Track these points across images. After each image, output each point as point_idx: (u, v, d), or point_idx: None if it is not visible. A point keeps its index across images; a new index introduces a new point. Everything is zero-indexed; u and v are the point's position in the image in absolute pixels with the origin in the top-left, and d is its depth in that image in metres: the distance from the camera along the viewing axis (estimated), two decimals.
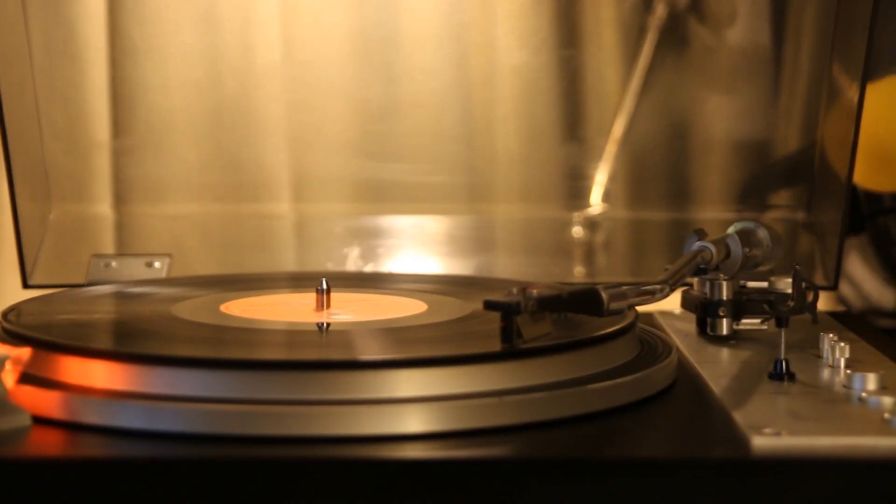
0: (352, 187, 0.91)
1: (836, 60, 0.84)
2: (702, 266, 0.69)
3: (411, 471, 0.49)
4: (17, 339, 0.59)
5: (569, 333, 0.59)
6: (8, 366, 0.53)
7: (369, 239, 0.90)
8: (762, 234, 0.74)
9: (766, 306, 0.70)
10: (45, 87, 0.88)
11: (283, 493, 0.49)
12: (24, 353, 0.55)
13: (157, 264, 0.86)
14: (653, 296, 0.61)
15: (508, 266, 0.90)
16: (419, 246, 0.90)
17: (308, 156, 0.91)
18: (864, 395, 0.57)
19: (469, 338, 0.63)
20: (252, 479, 0.49)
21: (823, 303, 0.67)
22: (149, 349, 0.57)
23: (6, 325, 0.62)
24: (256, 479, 0.49)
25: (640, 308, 0.63)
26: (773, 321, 0.67)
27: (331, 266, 0.89)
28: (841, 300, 1.04)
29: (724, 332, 0.71)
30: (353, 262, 0.90)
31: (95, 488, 0.49)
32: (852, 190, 0.83)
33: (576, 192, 0.91)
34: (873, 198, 1.02)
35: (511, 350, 0.56)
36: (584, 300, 0.58)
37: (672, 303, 0.73)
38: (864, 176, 0.89)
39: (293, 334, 0.65)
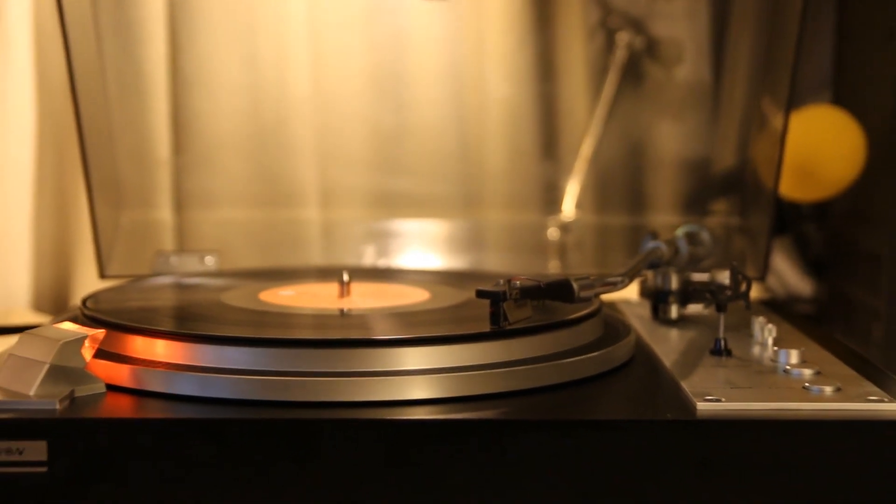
0: (368, 197, 0.91)
1: (764, 92, 0.84)
2: (655, 262, 0.69)
3: (416, 430, 0.49)
4: (93, 321, 0.59)
5: (546, 317, 0.59)
6: (86, 343, 0.53)
7: (382, 239, 0.90)
8: (705, 235, 0.74)
9: (707, 295, 0.69)
10: (117, 114, 0.88)
11: (312, 448, 0.49)
12: (100, 333, 0.54)
13: (208, 260, 0.86)
14: (615, 286, 0.61)
15: (496, 262, 0.90)
16: (423, 245, 0.90)
17: (332, 171, 0.91)
18: (788, 367, 0.57)
19: (464, 321, 0.63)
20: (286, 437, 0.49)
21: (754, 292, 0.67)
22: (201, 330, 0.56)
23: (85, 311, 0.62)
24: (289, 437, 0.49)
25: (604, 296, 0.63)
26: (713, 307, 0.67)
27: (351, 261, 0.89)
28: (768, 290, 1.04)
29: (673, 316, 0.71)
30: (369, 258, 0.90)
31: (157, 444, 0.49)
32: (777, 200, 0.83)
33: (551, 201, 0.91)
34: (795, 207, 1.03)
35: (498, 331, 0.56)
36: (559, 289, 0.58)
37: (631, 292, 0.73)
38: (788, 189, 0.89)
39: (320, 318, 0.65)
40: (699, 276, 0.70)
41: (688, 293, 0.70)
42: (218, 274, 0.83)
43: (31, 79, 1.08)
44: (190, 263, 0.86)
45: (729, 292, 0.63)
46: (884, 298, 0.84)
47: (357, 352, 0.53)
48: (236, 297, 0.68)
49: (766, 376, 0.56)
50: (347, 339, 0.55)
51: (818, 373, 0.56)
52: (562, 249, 0.90)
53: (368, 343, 0.54)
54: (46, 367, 0.51)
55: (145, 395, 0.52)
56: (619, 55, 0.89)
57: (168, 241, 0.90)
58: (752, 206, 0.86)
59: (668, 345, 0.64)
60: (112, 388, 0.53)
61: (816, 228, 1.04)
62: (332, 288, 0.70)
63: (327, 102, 0.91)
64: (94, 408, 0.51)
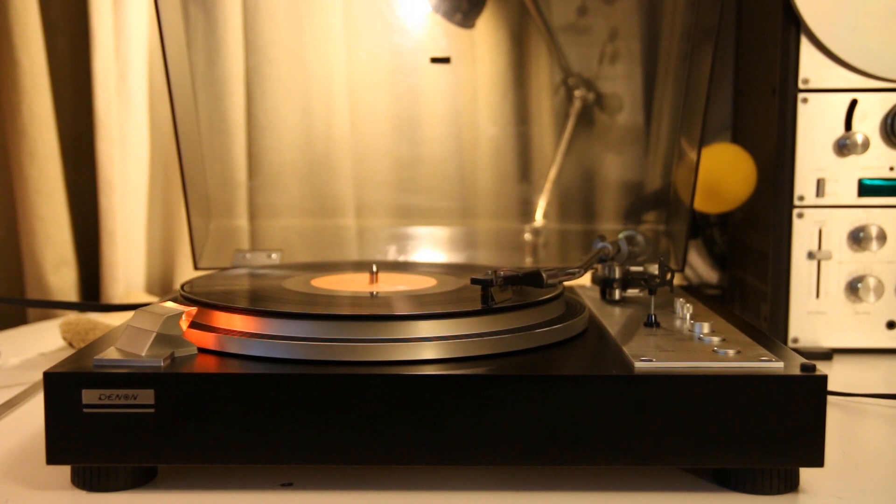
0: (391, 209, 0.91)
1: (682, 133, 0.84)
2: (603, 257, 0.69)
3: (427, 381, 0.48)
4: (189, 301, 0.58)
5: (522, 298, 0.58)
6: (183, 317, 0.52)
7: (401, 241, 0.90)
8: (640, 238, 0.74)
9: (642, 282, 0.69)
10: (208, 149, 0.88)
11: (350, 394, 0.48)
12: (193, 309, 0.54)
13: (274, 256, 0.86)
14: (573, 276, 0.60)
15: (485, 257, 0.89)
16: (432, 245, 0.90)
17: (365, 190, 0.91)
18: (701, 335, 0.56)
19: (462, 301, 0.62)
20: (330, 386, 0.48)
21: (676, 280, 0.66)
22: (267, 307, 0.56)
23: (182, 293, 0.62)
24: (333, 386, 0.48)
25: (565, 283, 0.62)
26: (646, 291, 0.66)
27: (378, 257, 0.89)
28: (686, 278, 1.04)
29: (617, 297, 0.70)
30: (391, 254, 0.89)
31: (235, 392, 0.48)
32: (692, 212, 0.82)
33: (526, 213, 0.90)
34: (705, 217, 1.02)
35: (487, 309, 0.55)
36: (532, 278, 0.57)
37: (585, 280, 0.72)
38: (699, 204, 0.89)
39: (355, 298, 0.64)
40: (636, 268, 0.70)
41: (627, 280, 0.70)
42: (280, 266, 0.82)
43: (146, 123, 1.07)
44: (260, 259, 0.86)
45: (657, 280, 0.62)
46: (769, 285, 0.84)
47: (383, 324, 0.52)
48: (294, 283, 0.68)
49: (686, 342, 0.55)
50: (376, 315, 0.54)
51: (724, 340, 0.55)
52: (534, 248, 0.90)
53: (392, 317, 0.53)
54: (154, 334, 0.50)
55: (226, 356, 0.52)
56: (576, 105, 0.89)
57: (244, 242, 0.90)
58: (673, 216, 0.86)
59: (612, 319, 0.63)
60: (202, 350, 0.53)
61: (720, 233, 1.03)
62: (365, 276, 0.70)
63: (361, 140, 0.90)
64: (188, 365, 0.50)
